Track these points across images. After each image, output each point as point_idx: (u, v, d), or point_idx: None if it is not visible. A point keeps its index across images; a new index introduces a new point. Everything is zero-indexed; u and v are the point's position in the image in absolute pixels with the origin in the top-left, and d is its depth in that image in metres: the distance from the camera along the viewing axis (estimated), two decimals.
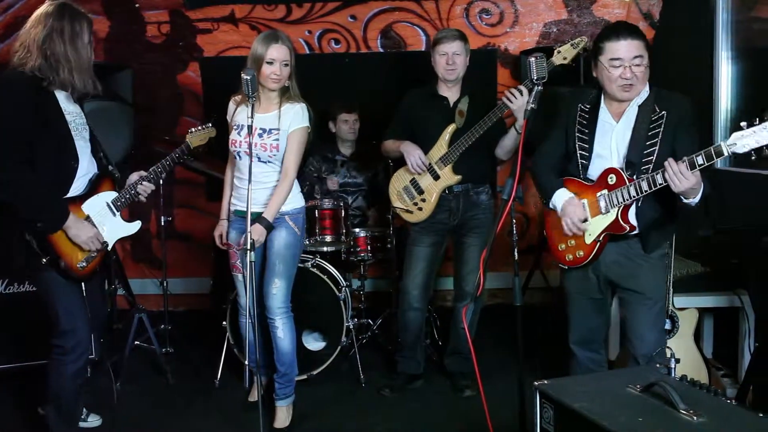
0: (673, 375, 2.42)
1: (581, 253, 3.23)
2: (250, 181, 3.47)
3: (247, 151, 3.61)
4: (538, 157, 3.43)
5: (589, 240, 3.19)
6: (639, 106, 3.13)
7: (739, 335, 4.06)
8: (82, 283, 3.38)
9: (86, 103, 4.95)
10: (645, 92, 3.14)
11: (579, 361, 3.45)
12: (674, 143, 3.04)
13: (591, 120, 3.23)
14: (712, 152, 2.70)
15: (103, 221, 3.42)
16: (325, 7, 6.00)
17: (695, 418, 2.07)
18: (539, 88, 3.02)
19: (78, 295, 3.36)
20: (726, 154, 2.66)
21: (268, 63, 3.66)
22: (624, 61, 3.05)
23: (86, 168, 3.36)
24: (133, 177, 3.56)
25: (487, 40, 6.01)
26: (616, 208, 3.08)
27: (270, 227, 3.72)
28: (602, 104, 3.23)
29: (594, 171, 3.21)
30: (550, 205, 3.33)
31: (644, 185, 2.95)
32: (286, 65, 3.69)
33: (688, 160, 2.77)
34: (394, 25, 6.02)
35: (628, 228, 3.09)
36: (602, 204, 3.12)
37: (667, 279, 3.35)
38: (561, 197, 3.26)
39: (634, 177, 3.04)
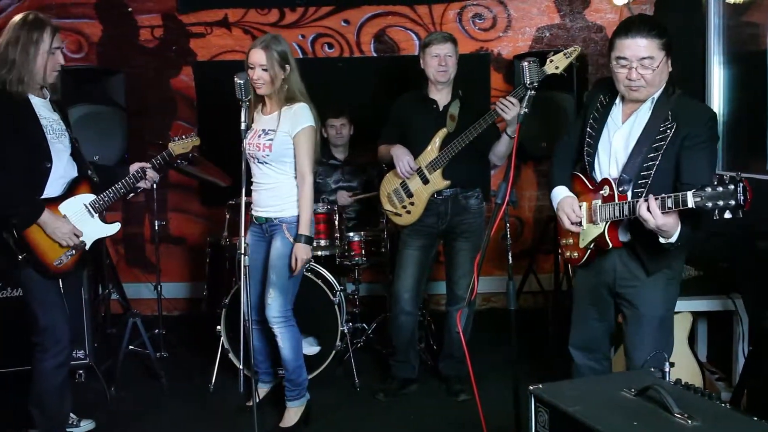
0: (667, 379, 2.42)
1: (575, 254, 3.15)
2: (243, 185, 3.50)
3: (250, 153, 3.73)
4: (557, 147, 3.30)
5: (582, 244, 3.09)
6: (652, 111, 2.89)
7: (733, 339, 4.06)
8: (60, 281, 3.46)
9: (79, 107, 5.02)
10: (658, 95, 2.90)
11: (578, 368, 3.29)
12: (680, 160, 2.80)
13: (603, 115, 3.04)
14: (680, 199, 2.55)
15: (80, 222, 3.48)
16: (318, 12, 6.02)
17: (689, 422, 2.07)
18: (532, 92, 3.02)
19: (56, 292, 3.44)
20: (690, 205, 2.51)
21: (250, 68, 3.69)
22: (629, 61, 2.80)
23: (63, 171, 3.44)
24: (135, 167, 3.66)
25: (480, 44, 6.03)
26: (605, 223, 2.95)
27: (309, 240, 3.74)
28: (617, 100, 3.02)
29: (597, 171, 3.07)
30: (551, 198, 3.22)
31: (626, 210, 2.80)
32: (265, 69, 3.67)
33: (660, 198, 2.63)
34: (388, 29, 6.03)
35: (611, 245, 2.95)
36: (593, 214, 3.00)
37: (671, 293, 3.08)
38: (557, 195, 3.14)
39: (626, 195, 2.88)
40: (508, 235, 3.04)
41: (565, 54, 3.70)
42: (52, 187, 3.39)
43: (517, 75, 5.30)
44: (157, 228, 4.92)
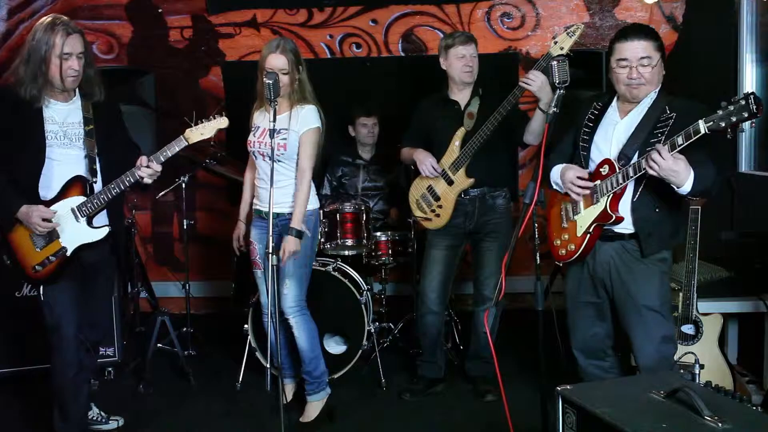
0: (697, 381, 2.39)
1: (572, 246, 3.20)
2: (272, 184, 3.50)
3: (261, 151, 3.78)
4: (551, 157, 3.40)
5: (579, 232, 3.17)
6: (649, 107, 3.08)
7: (765, 341, 4.01)
8: (65, 285, 3.45)
9: None
10: (655, 93, 3.10)
11: (582, 368, 3.37)
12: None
13: (598, 116, 3.23)
14: (691, 131, 2.71)
15: (63, 226, 3.38)
16: (346, 12, 6.04)
17: (720, 424, 2.05)
18: (561, 91, 3.01)
19: (65, 293, 3.44)
20: (703, 131, 2.67)
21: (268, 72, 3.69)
22: (630, 61, 3.05)
23: (72, 173, 3.40)
24: (139, 161, 3.43)
25: (509, 43, 6.00)
26: (606, 197, 3.05)
27: (300, 234, 3.74)
28: (613, 103, 3.23)
29: (593, 165, 3.19)
30: (552, 184, 3.33)
31: (630, 171, 2.94)
32: (285, 73, 3.70)
33: (669, 141, 2.77)
34: (415, 29, 6.04)
35: (614, 218, 3.05)
36: (593, 195, 3.10)
37: (666, 286, 3.20)
38: (559, 168, 3.28)
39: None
40: (536, 235, 3.02)
41: (568, 33, 3.70)
42: (52, 191, 3.37)
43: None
44: (185, 227, 4.96)
